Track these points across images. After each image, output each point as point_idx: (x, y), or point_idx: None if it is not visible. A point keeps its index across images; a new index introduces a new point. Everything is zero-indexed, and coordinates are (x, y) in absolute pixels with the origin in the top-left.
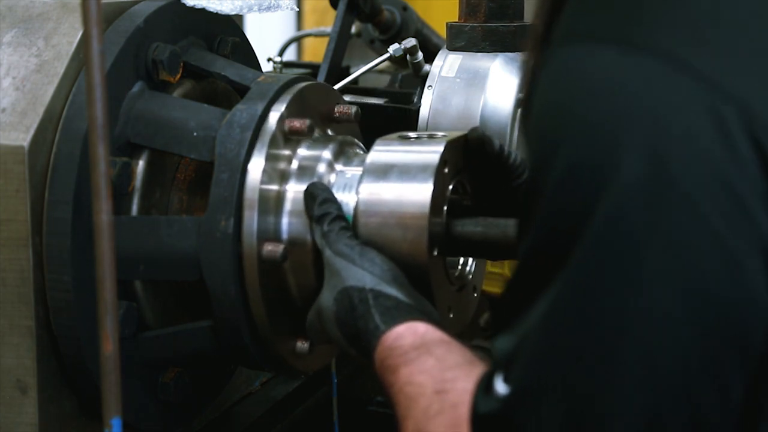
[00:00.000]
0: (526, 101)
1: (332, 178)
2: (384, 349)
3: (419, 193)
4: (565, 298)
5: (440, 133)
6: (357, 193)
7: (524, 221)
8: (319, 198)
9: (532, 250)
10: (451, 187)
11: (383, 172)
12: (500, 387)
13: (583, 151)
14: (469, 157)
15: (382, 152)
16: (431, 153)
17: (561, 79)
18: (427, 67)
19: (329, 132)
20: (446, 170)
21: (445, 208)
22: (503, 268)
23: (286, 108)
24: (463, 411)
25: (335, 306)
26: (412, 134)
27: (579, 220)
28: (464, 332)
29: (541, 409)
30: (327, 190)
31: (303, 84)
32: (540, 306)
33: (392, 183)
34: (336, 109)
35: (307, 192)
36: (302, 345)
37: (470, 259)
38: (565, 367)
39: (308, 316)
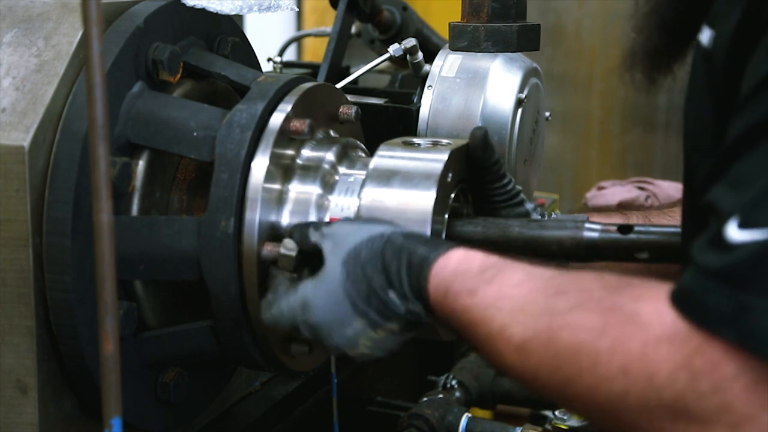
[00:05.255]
0: None
1: (335, 180)
2: (445, 278)
3: (421, 202)
4: None
5: (444, 141)
6: (359, 198)
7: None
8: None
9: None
10: (452, 195)
11: (386, 178)
12: (737, 235)
13: None
14: (469, 161)
15: (386, 158)
16: (435, 162)
17: None
18: (427, 67)
19: (332, 133)
20: (449, 179)
21: (446, 216)
22: None
23: (293, 108)
24: (643, 286)
25: (342, 271)
26: (416, 140)
27: None
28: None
29: None
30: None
31: (309, 84)
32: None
33: (395, 190)
34: (339, 110)
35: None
36: (299, 347)
37: None
38: None
39: (273, 317)
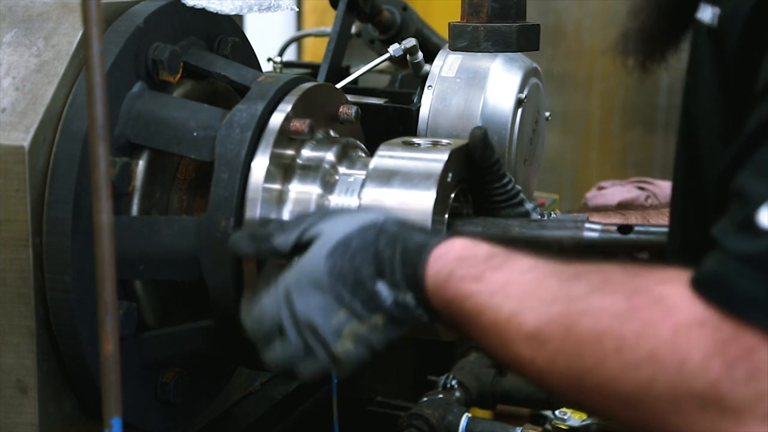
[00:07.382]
0: None
1: (335, 180)
2: (448, 262)
3: (422, 202)
4: None
5: (444, 141)
6: (359, 198)
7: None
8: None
9: None
10: (452, 195)
11: (386, 178)
12: None
13: None
14: (469, 161)
15: (386, 158)
16: (435, 161)
17: None
18: (427, 67)
19: (332, 133)
20: (449, 179)
21: (447, 216)
22: None
23: (293, 108)
24: (666, 274)
25: (329, 261)
26: (416, 140)
27: None
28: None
29: None
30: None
31: (309, 84)
32: None
33: (395, 190)
34: (339, 110)
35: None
36: None
37: None
38: None
39: (254, 316)
